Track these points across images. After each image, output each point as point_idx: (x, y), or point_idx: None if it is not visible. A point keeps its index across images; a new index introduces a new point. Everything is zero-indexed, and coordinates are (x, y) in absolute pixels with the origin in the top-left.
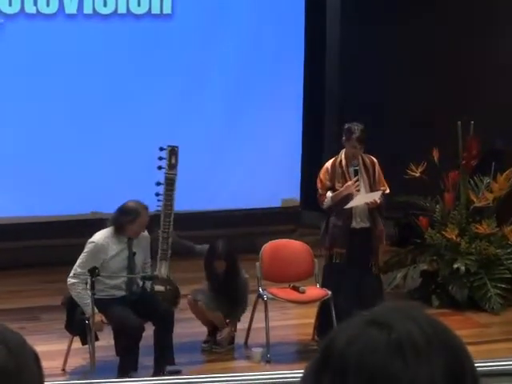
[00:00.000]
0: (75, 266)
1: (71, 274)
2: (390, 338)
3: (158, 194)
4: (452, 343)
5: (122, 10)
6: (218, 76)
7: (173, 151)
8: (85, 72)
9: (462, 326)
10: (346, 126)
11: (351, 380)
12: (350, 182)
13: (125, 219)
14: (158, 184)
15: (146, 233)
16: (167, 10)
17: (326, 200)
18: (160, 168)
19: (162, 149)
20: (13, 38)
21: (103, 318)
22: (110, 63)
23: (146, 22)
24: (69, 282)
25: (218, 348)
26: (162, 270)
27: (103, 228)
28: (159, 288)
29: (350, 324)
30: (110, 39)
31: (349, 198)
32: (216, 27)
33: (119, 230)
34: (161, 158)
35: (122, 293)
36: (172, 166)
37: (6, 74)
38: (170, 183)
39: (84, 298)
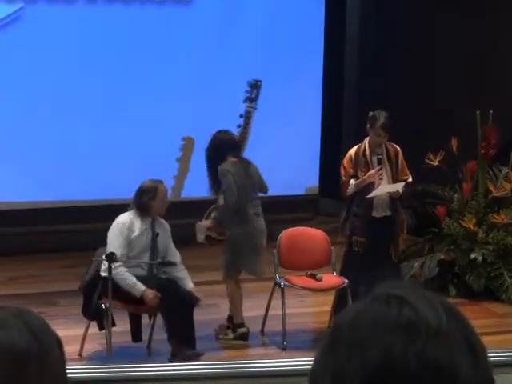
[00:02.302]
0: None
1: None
2: (400, 313)
3: (239, 126)
4: (467, 326)
5: None
6: (237, 64)
7: (255, 85)
8: (104, 56)
9: (479, 316)
10: (371, 113)
11: (370, 353)
12: (373, 171)
13: (146, 197)
14: (241, 116)
15: (166, 223)
16: None
17: (349, 187)
18: (245, 101)
19: (249, 83)
20: (33, 23)
21: (155, 292)
22: (130, 48)
23: (166, 8)
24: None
25: (225, 337)
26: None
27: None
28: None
29: (358, 302)
30: (130, 24)
31: (371, 186)
32: (236, 14)
33: (143, 210)
34: (247, 92)
35: (144, 273)
36: (252, 100)
37: (27, 58)
38: (247, 116)
39: (128, 279)
